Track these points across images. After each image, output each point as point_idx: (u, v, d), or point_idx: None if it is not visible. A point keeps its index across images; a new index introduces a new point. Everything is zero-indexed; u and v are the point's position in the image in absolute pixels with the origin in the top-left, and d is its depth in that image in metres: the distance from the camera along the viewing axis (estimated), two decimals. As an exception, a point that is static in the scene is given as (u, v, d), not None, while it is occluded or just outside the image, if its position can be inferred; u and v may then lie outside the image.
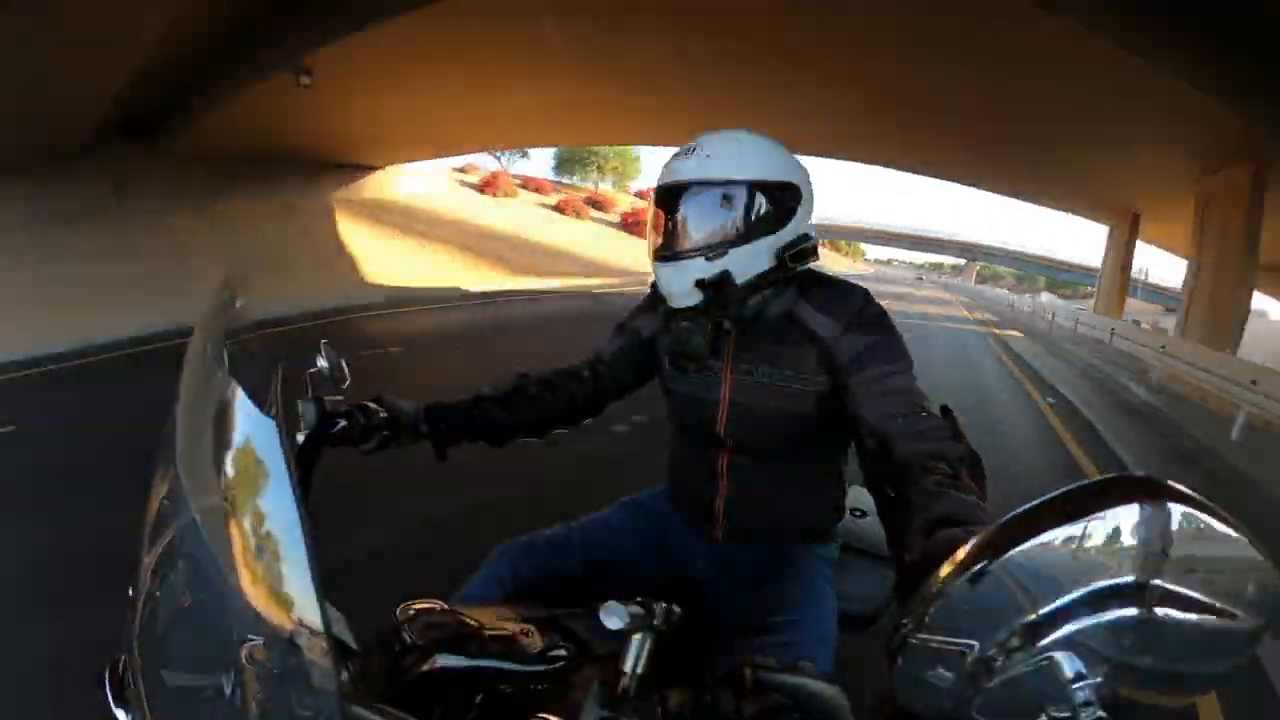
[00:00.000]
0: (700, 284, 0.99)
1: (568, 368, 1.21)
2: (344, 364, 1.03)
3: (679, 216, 1.03)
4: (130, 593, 0.65)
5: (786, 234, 1.01)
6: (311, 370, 1.00)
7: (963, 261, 57.71)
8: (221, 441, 0.61)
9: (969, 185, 17.87)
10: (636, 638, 0.55)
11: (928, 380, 0.92)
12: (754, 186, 0.99)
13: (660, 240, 1.06)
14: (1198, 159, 8.98)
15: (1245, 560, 0.39)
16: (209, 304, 0.71)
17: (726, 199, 0.99)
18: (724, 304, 1.00)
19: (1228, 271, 8.94)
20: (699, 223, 1.01)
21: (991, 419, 6.31)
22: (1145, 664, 0.42)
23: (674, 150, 1.05)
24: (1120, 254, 15.76)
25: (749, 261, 1.00)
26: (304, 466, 0.91)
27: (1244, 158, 8.20)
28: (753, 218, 0.99)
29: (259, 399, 0.58)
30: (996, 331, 17.46)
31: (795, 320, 1.03)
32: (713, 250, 0.99)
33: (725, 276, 0.98)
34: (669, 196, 1.03)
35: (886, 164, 17.05)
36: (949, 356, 11.00)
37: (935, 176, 17.64)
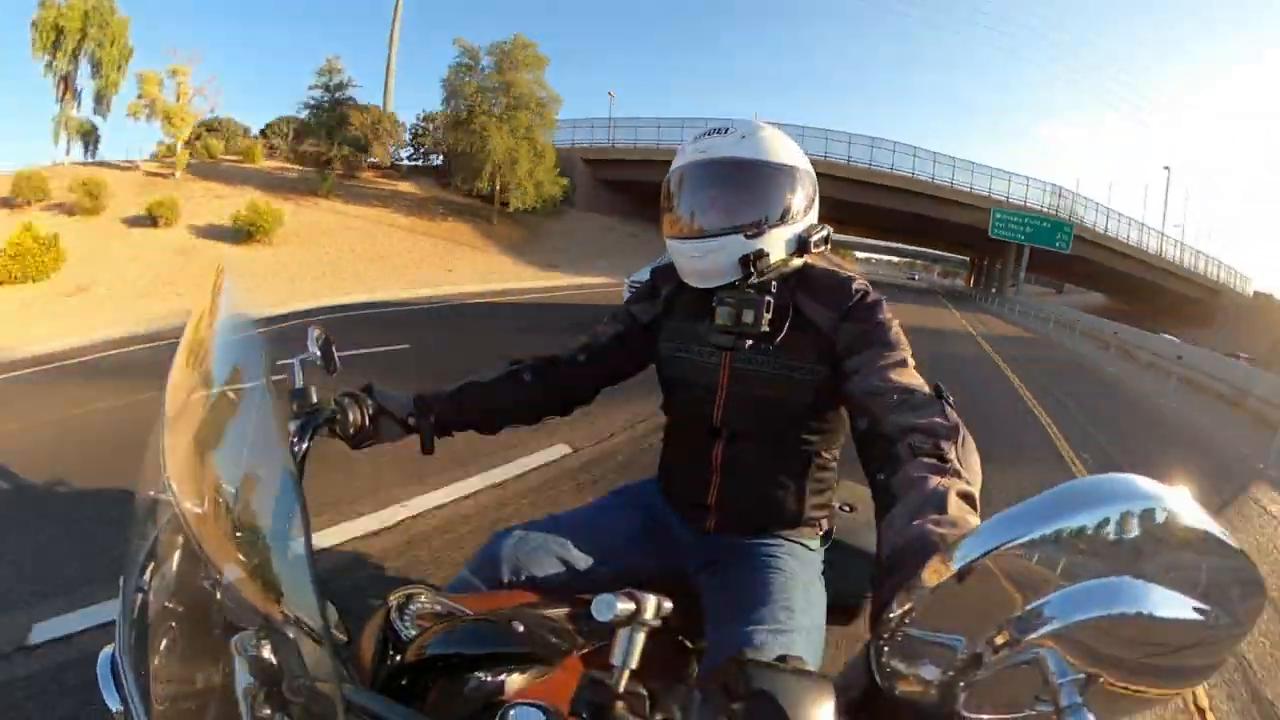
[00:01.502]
0: (745, 260, 0.98)
1: (561, 354, 1.19)
2: (334, 351, 1.02)
3: (716, 193, 1.02)
4: (121, 584, 0.64)
5: (808, 220, 1.04)
6: (301, 357, 0.98)
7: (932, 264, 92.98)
8: (213, 431, 0.61)
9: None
10: (626, 631, 0.55)
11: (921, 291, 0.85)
12: (790, 170, 1.01)
13: (689, 217, 1.04)
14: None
15: (1229, 561, 0.39)
16: (203, 297, 0.71)
17: (768, 179, 1.00)
18: (764, 284, 1.00)
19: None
20: (742, 200, 1.00)
21: (930, 302, 27.11)
22: (1130, 660, 0.43)
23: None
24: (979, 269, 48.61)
25: (781, 243, 1.01)
26: (293, 458, 0.90)
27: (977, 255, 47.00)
28: (789, 201, 1.01)
29: (252, 387, 0.58)
30: (937, 290, 45.76)
31: (796, 310, 1.02)
32: (753, 228, 0.99)
33: (763, 255, 0.99)
34: (704, 173, 1.03)
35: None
36: (920, 295, 31.29)
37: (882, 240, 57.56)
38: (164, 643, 0.57)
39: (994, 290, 33.08)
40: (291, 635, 0.47)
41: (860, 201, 26.78)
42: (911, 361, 0.93)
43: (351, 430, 0.99)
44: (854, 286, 1.01)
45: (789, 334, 1.01)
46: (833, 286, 1.02)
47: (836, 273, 1.04)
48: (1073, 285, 41.10)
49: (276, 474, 0.50)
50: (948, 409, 0.79)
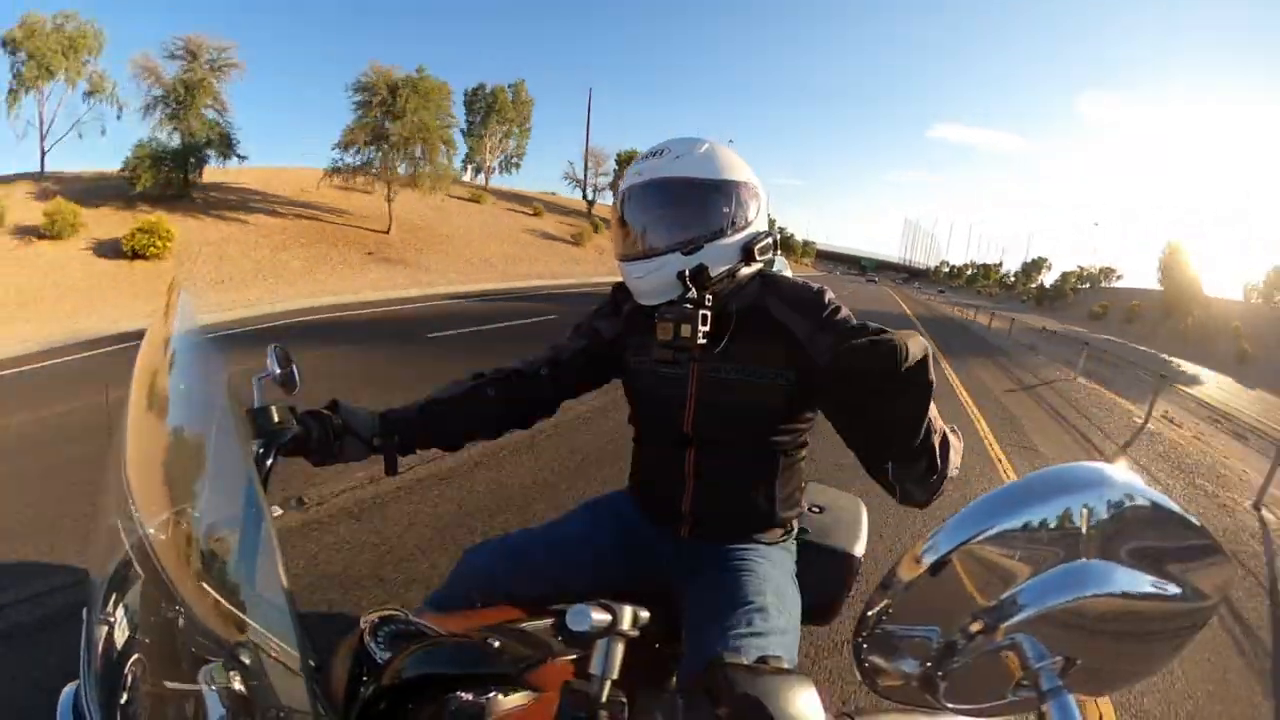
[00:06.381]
0: (682, 276, 1.00)
1: (524, 367, 1.19)
2: (295, 368, 0.99)
3: (653, 214, 1.05)
4: (84, 616, 0.61)
5: (751, 230, 1.05)
6: (261, 375, 0.95)
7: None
8: (175, 454, 0.58)
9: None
10: (604, 642, 0.54)
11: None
12: (724, 185, 1.02)
13: (632, 239, 1.06)
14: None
15: (1196, 543, 0.41)
16: (160, 309, 0.68)
17: (701, 196, 1.02)
18: (700, 298, 1.00)
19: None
20: (676, 219, 1.02)
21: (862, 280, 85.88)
22: (1103, 643, 0.44)
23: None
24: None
25: (721, 256, 1.02)
26: (258, 479, 0.86)
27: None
28: (724, 214, 1.02)
29: (212, 407, 0.56)
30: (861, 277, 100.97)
31: (765, 315, 1.04)
32: (689, 245, 1.01)
33: (702, 270, 1.00)
34: (641, 196, 1.05)
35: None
36: (859, 279, 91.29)
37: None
38: (131, 677, 0.54)
39: (875, 278, 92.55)
40: (262, 664, 0.46)
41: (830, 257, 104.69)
42: None
43: (316, 448, 0.97)
44: (826, 298, 1.04)
45: (757, 340, 1.02)
46: (807, 296, 1.04)
47: (809, 283, 1.06)
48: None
49: (241, 496, 0.48)
50: None
